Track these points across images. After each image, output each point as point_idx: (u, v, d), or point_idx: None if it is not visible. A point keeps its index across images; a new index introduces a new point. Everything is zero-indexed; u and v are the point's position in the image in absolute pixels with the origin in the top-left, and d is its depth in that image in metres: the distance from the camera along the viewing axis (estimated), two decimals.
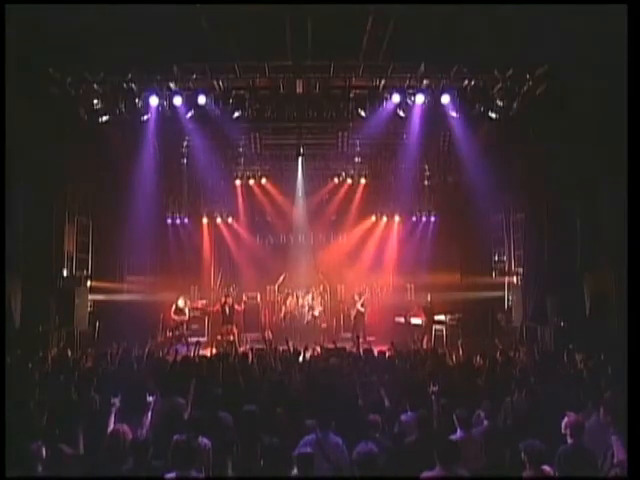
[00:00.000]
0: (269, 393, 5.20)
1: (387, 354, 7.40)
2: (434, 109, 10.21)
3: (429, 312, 12.05)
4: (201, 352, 8.04)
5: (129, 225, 11.87)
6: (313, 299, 13.45)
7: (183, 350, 10.91)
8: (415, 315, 12.63)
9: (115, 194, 12.12)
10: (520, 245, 12.50)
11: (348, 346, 9.02)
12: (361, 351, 7.59)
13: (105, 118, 10.09)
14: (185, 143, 13.24)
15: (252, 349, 8.19)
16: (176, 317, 11.71)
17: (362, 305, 12.68)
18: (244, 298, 13.52)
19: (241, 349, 10.29)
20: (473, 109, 10.17)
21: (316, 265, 15.02)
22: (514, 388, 5.16)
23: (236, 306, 12.09)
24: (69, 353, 8.21)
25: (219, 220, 15.29)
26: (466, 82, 10.16)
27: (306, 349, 7.72)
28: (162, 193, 14.00)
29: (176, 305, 11.81)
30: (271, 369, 6.42)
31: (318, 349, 8.27)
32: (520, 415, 4.69)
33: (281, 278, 14.83)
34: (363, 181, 14.53)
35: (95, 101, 9.84)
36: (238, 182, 14.50)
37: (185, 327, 11.91)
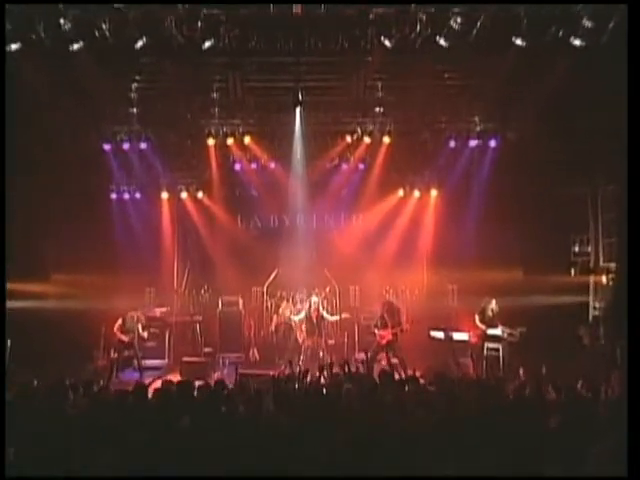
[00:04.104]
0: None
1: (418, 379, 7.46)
2: (490, 31, 10.04)
3: (480, 324, 12.05)
4: (160, 381, 7.98)
5: (56, 202, 11.82)
6: (317, 305, 13.37)
7: (133, 378, 10.93)
8: (459, 328, 12.62)
9: (35, 157, 12.07)
10: (613, 231, 12.37)
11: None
12: (375, 375, 7.67)
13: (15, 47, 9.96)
14: (135, 85, 13.13)
15: (236, 374, 8.29)
16: (123, 337, 11.79)
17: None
18: (220, 306, 13.60)
19: (215, 376, 10.28)
20: (548, 34, 10.00)
21: (320, 258, 15.01)
22: (601, 436, 5.06)
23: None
24: None
25: (184, 195, 15.28)
26: None
27: (305, 375, 7.80)
28: (103, 156, 13.98)
29: (123, 323, 11.85)
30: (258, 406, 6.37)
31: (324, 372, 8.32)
32: (607, 475, 4.61)
33: (272, 276, 14.84)
34: (387, 140, 14.34)
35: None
36: (211, 141, 14.33)
37: (137, 346, 11.97)
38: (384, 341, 11.59)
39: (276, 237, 15.48)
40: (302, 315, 13.24)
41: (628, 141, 4.68)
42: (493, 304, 12.13)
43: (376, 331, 11.73)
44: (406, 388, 7.23)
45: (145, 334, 12.19)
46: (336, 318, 13.49)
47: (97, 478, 4.29)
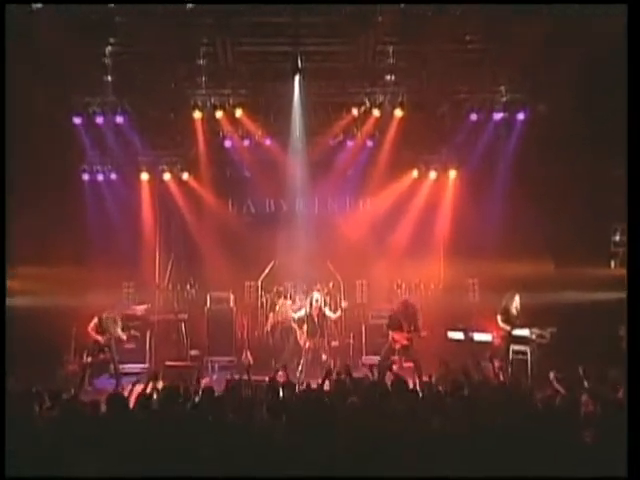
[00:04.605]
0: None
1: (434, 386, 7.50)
2: None
3: (502, 324, 12.10)
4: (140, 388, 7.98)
5: (20, 185, 11.79)
6: (319, 302, 13.37)
7: (109, 386, 10.96)
8: (481, 328, 12.67)
9: None
10: None
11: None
12: (388, 381, 7.70)
13: None
14: (109, 49, 13.03)
15: (228, 380, 8.37)
16: (99, 338, 11.84)
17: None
18: (208, 304, 13.59)
19: (204, 382, 10.29)
20: None
21: (322, 248, 15.01)
22: None
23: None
24: None
25: (167, 176, 15.36)
26: None
27: (305, 381, 7.77)
28: (73, 131, 13.98)
29: (99, 323, 11.86)
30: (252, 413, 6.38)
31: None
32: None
33: (267, 269, 14.90)
34: (399, 113, 14.30)
35: None
36: (197, 115, 14.30)
37: (114, 348, 12.01)
38: (398, 345, 11.59)
39: (272, 224, 15.55)
40: (302, 313, 13.25)
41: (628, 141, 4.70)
42: (516, 301, 12.11)
43: (390, 333, 11.72)
44: (420, 395, 7.26)
45: (124, 336, 12.21)
46: (339, 314, 13.49)
47: (98, 478, 4.48)
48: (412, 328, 11.56)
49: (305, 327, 13.01)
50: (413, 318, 11.76)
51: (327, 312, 13.15)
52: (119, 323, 12.18)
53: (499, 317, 12.16)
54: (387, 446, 5.19)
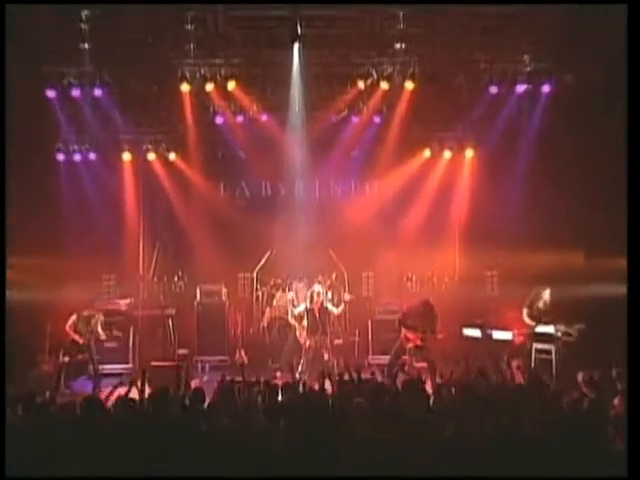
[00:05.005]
0: None
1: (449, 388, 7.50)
2: None
3: (528, 319, 12.13)
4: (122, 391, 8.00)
5: None
6: (321, 296, 13.39)
7: (88, 389, 11.00)
8: (500, 325, 12.71)
9: None
10: None
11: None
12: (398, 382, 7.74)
13: None
14: (85, 12, 12.96)
15: (220, 382, 8.36)
16: (77, 337, 11.93)
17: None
18: (198, 297, 13.62)
19: (193, 384, 10.30)
20: None
21: (324, 236, 15.08)
22: None
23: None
24: None
25: (152, 156, 15.39)
26: None
27: (306, 383, 8.10)
28: (46, 105, 13.95)
29: (77, 320, 11.94)
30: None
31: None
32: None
33: (264, 259, 14.95)
34: (410, 85, 14.29)
35: None
36: (185, 87, 14.28)
37: (94, 348, 12.10)
38: (411, 344, 11.61)
39: (269, 210, 15.64)
40: (301, 308, 13.29)
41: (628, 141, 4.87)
42: (547, 295, 12.13)
43: (403, 330, 11.73)
44: (431, 400, 7.27)
45: (104, 336, 12.28)
46: (342, 308, 13.52)
47: (99, 478, 4.71)
48: (428, 329, 11.58)
49: (305, 323, 13.05)
50: (431, 320, 11.82)
51: (329, 307, 13.19)
52: (100, 321, 12.22)
53: (525, 311, 12.19)
54: (396, 454, 5.21)
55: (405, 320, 11.85)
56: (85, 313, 12.02)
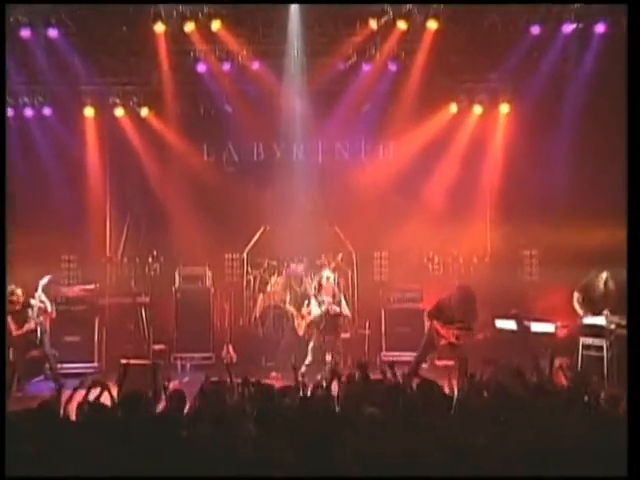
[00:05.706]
0: None
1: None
2: None
3: (578, 307, 12.27)
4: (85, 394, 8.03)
5: None
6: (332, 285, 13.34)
7: (47, 391, 11.03)
8: (540, 315, 12.80)
9: None
10: None
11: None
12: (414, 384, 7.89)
13: None
14: None
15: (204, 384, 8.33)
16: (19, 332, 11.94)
17: None
18: (177, 283, 13.60)
19: (171, 386, 10.35)
20: None
21: (329, 209, 15.23)
22: None
23: None
24: None
25: (120, 112, 15.41)
26: None
27: (306, 384, 8.19)
28: None
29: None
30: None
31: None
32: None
33: (256, 237, 15.02)
34: (432, 25, 14.24)
35: None
36: (160, 28, 14.24)
37: (47, 340, 12.12)
38: (443, 341, 11.59)
39: (262, 177, 15.71)
40: (315, 309, 13.10)
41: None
42: (606, 277, 12.10)
43: (434, 323, 11.70)
44: (453, 404, 7.27)
45: (53, 311, 12.36)
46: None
47: (101, 478, 4.97)
48: (466, 325, 11.57)
49: (304, 310, 13.03)
50: (470, 311, 11.73)
51: (345, 309, 13.01)
52: (50, 304, 12.23)
53: (576, 296, 12.22)
54: (415, 467, 5.19)
55: (437, 312, 11.74)
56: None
